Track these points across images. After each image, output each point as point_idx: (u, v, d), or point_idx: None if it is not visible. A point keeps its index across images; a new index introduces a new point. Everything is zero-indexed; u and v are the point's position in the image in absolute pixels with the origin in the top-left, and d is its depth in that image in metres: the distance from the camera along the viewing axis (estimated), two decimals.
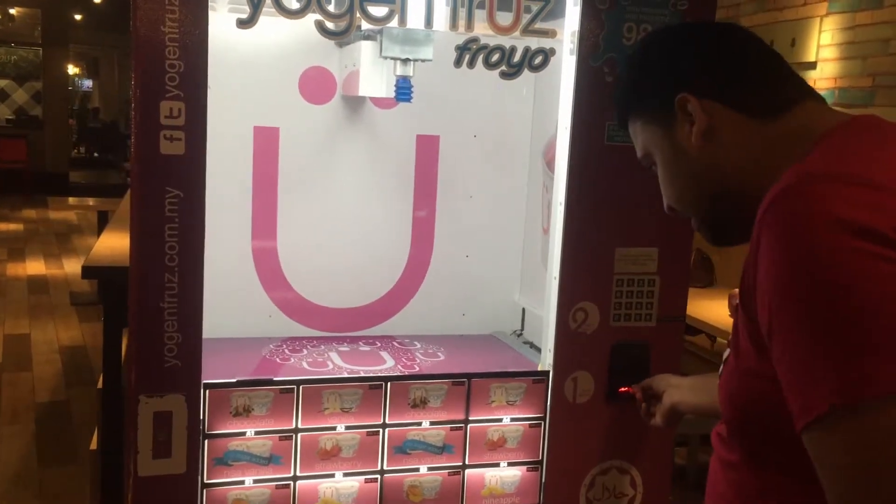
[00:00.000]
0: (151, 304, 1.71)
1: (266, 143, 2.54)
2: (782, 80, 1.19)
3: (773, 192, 1.01)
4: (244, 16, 1.79)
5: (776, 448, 1.07)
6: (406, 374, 2.01)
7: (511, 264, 2.83)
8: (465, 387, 1.99)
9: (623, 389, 2.01)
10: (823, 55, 5.76)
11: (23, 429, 4.73)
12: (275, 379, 1.85)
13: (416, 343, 2.62)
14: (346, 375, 1.95)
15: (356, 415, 1.93)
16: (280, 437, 1.87)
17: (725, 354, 1.15)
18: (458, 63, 1.83)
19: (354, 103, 2.61)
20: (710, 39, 1.23)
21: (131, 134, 1.75)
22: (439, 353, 2.52)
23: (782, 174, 1.05)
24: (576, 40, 1.90)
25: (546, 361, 2.11)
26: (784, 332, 0.95)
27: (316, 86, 2.56)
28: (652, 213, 2.02)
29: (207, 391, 1.80)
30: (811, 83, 4.97)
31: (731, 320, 4.17)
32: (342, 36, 1.79)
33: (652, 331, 2.05)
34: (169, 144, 1.67)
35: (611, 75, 1.92)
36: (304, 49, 2.52)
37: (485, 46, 1.85)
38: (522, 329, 2.81)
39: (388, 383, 1.93)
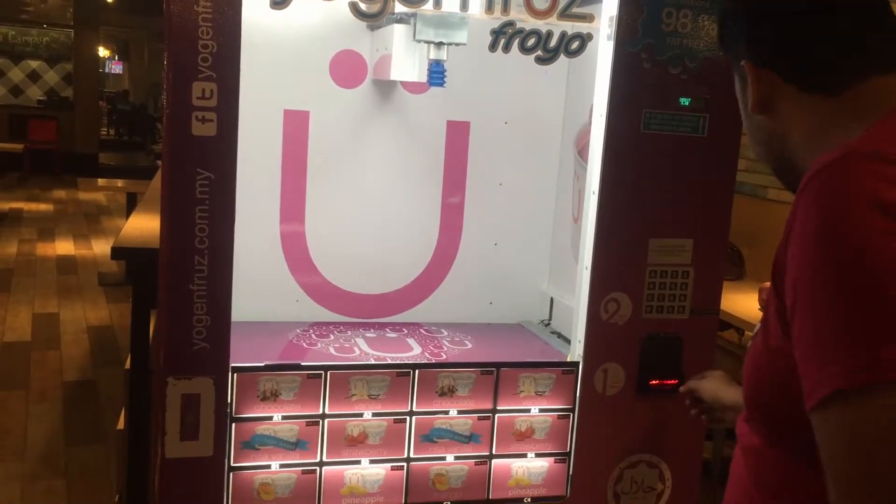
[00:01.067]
0: (181, 286, 1.70)
1: (296, 126, 2.52)
2: (859, 53, 1.12)
3: (815, 166, 0.99)
4: None
5: (791, 432, 1.05)
6: (434, 361, 1.99)
7: (540, 253, 2.80)
8: (494, 376, 1.97)
9: (654, 382, 1.98)
10: None
11: (50, 407, 4.78)
12: (302, 364, 1.84)
13: (443, 331, 2.60)
14: (373, 362, 1.93)
15: (383, 402, 1.91)
16: (307, 422, 1.86)
17: (755, 331, 1.14)
18: (493, 47, 1.80)
19: (385, 88, 2.58)
20: (792, 5, 1.17)
21: (163, 115, 1.74)
22: (466, 342, 2.50)
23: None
24: (614, 25, 1.86)
25: (576, 352, 2.08)
26: (803, 309, 0.93)
27: (347, 69, 2.53)
28: (687, 203, 2.00)
29: (235, 375, 1.80)
30: None
31: (760, 314, 4.11)
32: (376, 18, 1.77)
33: (685, 324, 2.02)
34: (201, 126, 1.65)
35: (649, 61, 1.88)
36: (336, 32, 2.50)
37: (521, 31, 1.82)
38: (550, 319, 2.78)
39: (416, 371, 1.92)
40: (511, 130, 2.69)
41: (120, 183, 8.58)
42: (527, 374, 1.97)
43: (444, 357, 2.31)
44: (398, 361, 2.16)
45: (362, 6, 1.74)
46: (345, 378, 1.87)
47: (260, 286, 2.56)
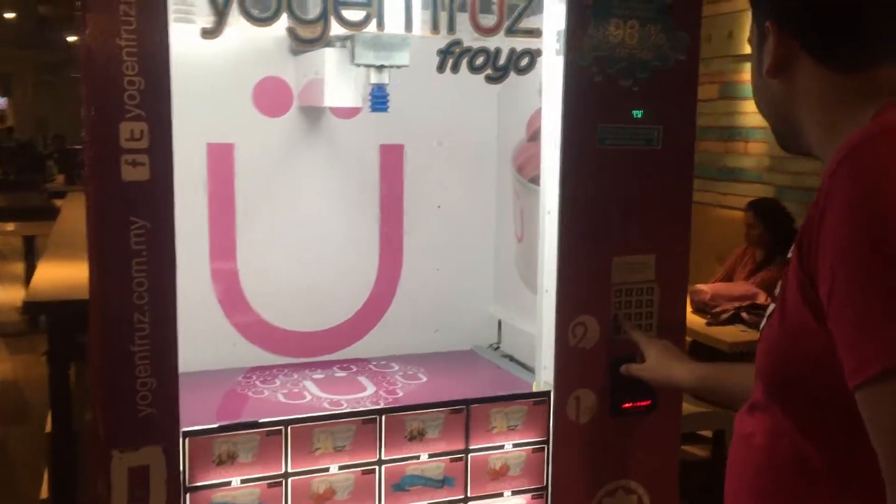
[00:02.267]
0: (120, 348, 1.54)
1: (221, 160, 2.38)
2: (885, 36, 1.11)
3: (849, 144, 0.99)
4: (194, 25, 1.62)
5: (815, 412, 1.06)
6: (394, 402, 1.87)
7: (484, 275, 2.72)
8: (464, 414, 1.86)
9: (627, 405, 1.91)
10: None
11: None
12: (260, 421, 1.69)
13: (392, 365, 2.48)
14: (337, 411, 1.80)
15: (350, 453, 1.78)
16: (269, 483, 1.71)
17: (769, 310, 1.13)
18: (440, 68, 1.71)
19: (313, 114, 2.46)
20: None
21: (84, 159, 1.57)
22: (420, 375, 2.39)
23: (846, 134, 1.03)
24: (562, 40, 1.79)
25: (541, 380, 2.00)
26: (844, 290, 0.94)
27: (271, 97, 2.40)
28: (647, 218, 1.94)
29: (187, 440, 1.64)
30: (748, 75, 4.96)
31: (697, 319, 4.15)
32: (315, 43, 1.65)
33: None
34: (132, 170, 1.50)
35: (600, 75, 1.82)
36: (257, 59, 2.37)
37: (468, 49, 1.73)
38: (500, 342, 2.70)
39: (383, 416, 1.79)
40: (446, 151, 2.61)
41: (11, 226, 8.11)
42: (497, 408, 1.87)
43: (400, 394, 2.20)
44: (358, 406, 2.03)
45: (301, 32, 1.61)
46: (307, 432, 1.73)
47: (192, 333, 2.35)
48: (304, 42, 1.66)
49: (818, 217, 0.99)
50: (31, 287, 3.03)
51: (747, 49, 4.68)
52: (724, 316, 4.14)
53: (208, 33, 1.58)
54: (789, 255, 1.08)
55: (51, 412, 2.86)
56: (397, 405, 1.85)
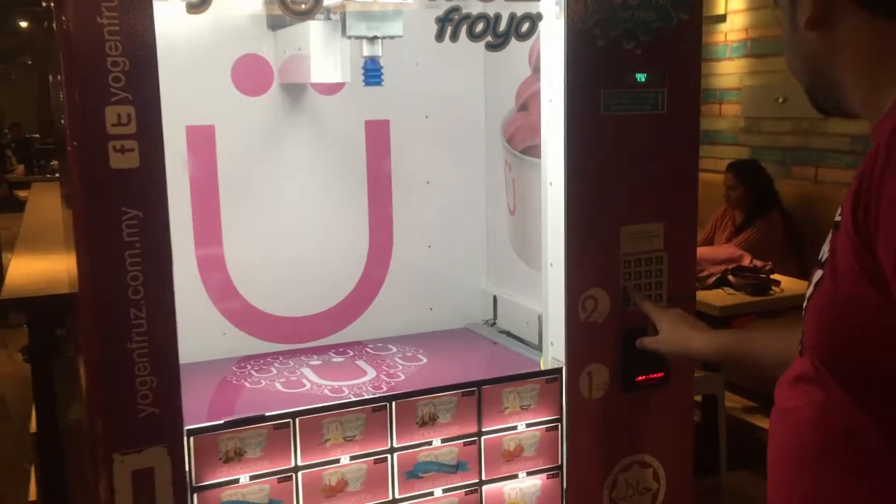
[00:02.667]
0: (117, 346, 1.45)
1: (201, 143, 2.28)
2: None
3: None
4: (169, 1, 1.52)
5: (874, 386, 1.01)
6: (411, 389, 1.80)
7: (477, 251, 2.66)
8: (476, 396, 1.80)
9: (640, 378, 1.87)
10: (732, 6, 5.76)
11: None
12: (268, 414, 1.62)
13: (390, 346, 2.42)
14: (346, 400, 1.73)
15: (360, 442, 1.72)
16: (279, 478, 1.64)
17: (816, 277, 1.07)
18: (439, 36, 1.62)
19: (295, 91, 2.37)
20: None
21: (65, 147, 1.47)
22: (419, 356, 2.33)
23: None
24: (563, 3, 1.72)
25: (549, 357, 1.95)
26: None
27: (251, 75, 2.31)
28: (654, 185, 1.89)
29: (192, 438, 1.56)
30: (722, 36, 4.94)
31: None
32: (308, 15, 1.55)
33: None
34: (120, 157, 1.40)
35: (602, 38, 1.75)
36: (234, 36, 2.27)
37: (467, 16, 1.65)
38: (496, 318, 2.64)
39: (393, 403, 1.72)
40: (432, 125, 2.54)
41: None
42: (510, 388, 1.82)
43: (402, 377, 2.14)
44: (361, 392, 1.97)
45: (292, 4, 1.52)
46: (316, 423, 1.66)
47: (180, 323, 2.29)
48: (296, 14, 1.56)
49: (877, 180, 0.92)
50: (6, 285, 2.91)
51: (718, 10, 4.65)
52: (711, 280, 4.12)
53: (194, 7, 1.47)
54: (837, 218, 1.02)
55: (34, 411, 2.75)
56: (408, 390, 1.78)
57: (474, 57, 2.51)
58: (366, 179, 2.49)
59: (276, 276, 2.41)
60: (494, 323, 2.64)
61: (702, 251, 4.47)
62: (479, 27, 1.66)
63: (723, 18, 5.84)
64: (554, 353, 1.93)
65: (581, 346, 1.85)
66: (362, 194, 2.50)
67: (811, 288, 1.08)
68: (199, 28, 2.21)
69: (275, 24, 2.26)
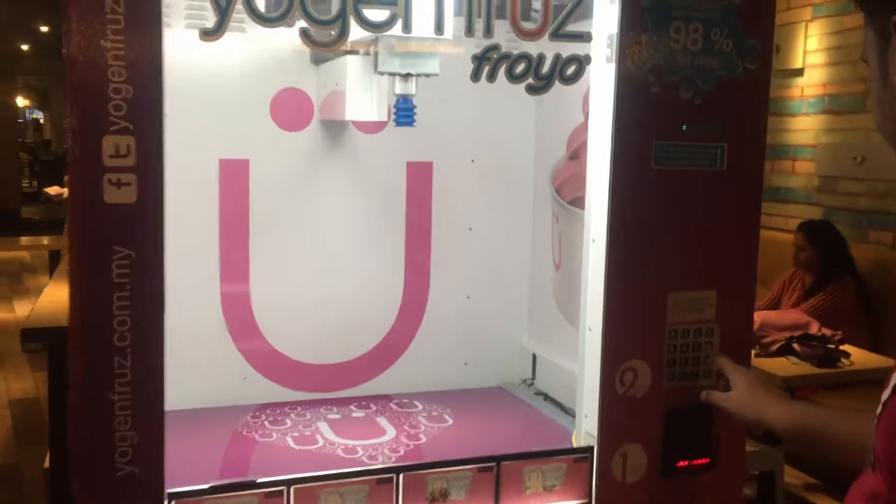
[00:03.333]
0: (98, 395, 1.33)
1: (234, 177, 2.20)
2: None
3: None
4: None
5: None
6: (421, 461, 1.64)
7: (518, 305, 2.52)
8: (494, 472, 1.63)
9: (682, 463, 1.67)
10: (811, 61, 5.53)
11: None
12: (259, 481, 1.47)
13: (416, 403, 2.27)
14: (347, 470, 1.57)
15: None
16: None
17: (885, 396, 0.96)
18: (475, 76, 1.49)
19: (335, 128, 2.27)
20: None
21: (69, 178, 1.37)
22: (446, 416, 2.17)
23: None
24: (614, 45, 1.56)
25: (583, 430, 1.76)
26: None
27: (290, 110, 2.23)
28: (708, 248, 1.70)
29: (174, 503, 1.42)
30: (798, 91, 4.69)
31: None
32: (332, 47, 1.44)
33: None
34: (115, 191, 1.29)
35: (657, 85, 1.59)
36: (275, 68, 2.20)
37: (507, 55, 1.51)
38: (534, 378, 2.47)
39: (401, 475, 1.56)
40: (478, 169, 2.42)
41: (46, 240, 8.01)
42: (533, 466, 1.64)
43: (423, 440, 1.99)
44: (376, 454, 1.82)
45: (315, 34, 1.40)
46: (313, 493, 1.51)
47: (200, 364, 2.21)
48: (319, 46, 1.45)
49: None
50: (32, 312, 2.85)
51: (796, 64, 4.41)
52: (775, 347, 3.86)
53: (208, 35, 1.37)
54: None
55: (49, 449, 2.66)
56: (417, 462, 1.62)
57: (525, 99, 2.36)
58: (404, 223, 2.38)
59: (302, 319, 2.29)
60: (532, 383, 2.47)
61: (766, 315, 4.21)
62: (520, 68, 1.52)
63: (800, 72, 5.60)
64: (588, 426, 1.75)
65: (616, 424, 1.66)
66: (399, 238, 2.38)
67: (888, 391, 0.91)
68: (238, 59, 2.14)
69: (318, 59, 2.17)
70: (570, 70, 1.56)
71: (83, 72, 1.27)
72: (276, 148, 2.23)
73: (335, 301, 2.33)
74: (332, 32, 1.40)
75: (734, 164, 1.68)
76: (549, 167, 2.38)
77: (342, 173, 2.30)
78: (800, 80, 5.61)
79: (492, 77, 1.51)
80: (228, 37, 2.11)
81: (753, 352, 3.94)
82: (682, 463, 1.69)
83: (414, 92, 1.72)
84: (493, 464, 1.62)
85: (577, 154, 2.25)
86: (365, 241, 2.34)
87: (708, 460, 1.71)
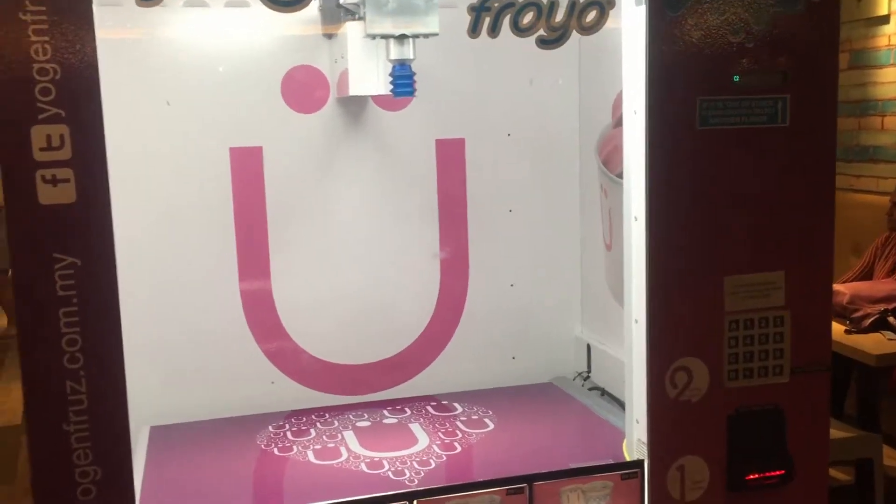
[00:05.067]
0: (50, 427, 1.16)
1: (247, 166, 2.09)
2: None
3: None
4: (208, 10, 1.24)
5: None
6: (440, 485, 1.43)
7: (568, 291, 2.35)
8: (526, 495, 1.40)
9: (752, 476, 1.41)
10: None
11: None
12: None
13: (456, 405, 2.08)
14: (354, 499, 1.37)
15: None
16: None
17: None
18: (474, 29, 1.25)
19: (354, 107, 2.12)
20: None
21: None
22: (486, 420, 1.98)
23: None
24: None
25: (634, 438, 1.52)
26: None
27: (303, 90, 2.10)
28: (772, 223, 1.43)
29: None
30: (885, 40, 4.22)
31: (834, 326, 3.52)
32: (295, 6, 1.22)
33: (785, 389, 1.46)
34: (51, 190, 1.11)
35: (699, 28, 1.32)
36: (284, 45, 2.04)
37: (511, 4, 1.27)
38: (589, 371, 2.25)
39: (415, 501, 1.35)
40: (516, 143, 2.23)
41: None
42: (571, 486, 1.41)
43: (458, 449, 1.79)
44: (402, 468, 1.62)
45: None
46: None
47: (221, 370, 2.06)
48: (280, 6, 1.23)
49: None
50: None
51: (881, 11, 3.95)
52: (868, 322, 3.52)
53: (145, 0, 1.17)
54: None
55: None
56: (434, 487, 1.40)
57: (567, 62, 2.14)
58: (436, 207, 2.21)
59: (330, 316, 2.16)
60: (588, 377, 2.25)
61: (857, 286, 3.88)
62: (528, 18, 1.28)
63: (885, 20, 5.15)
64: (640, 433, 1.50)
65: (669, 433, 1.42)
66: (432, 224, 2.22)
67: None
68: (243, 37, 1.98)
69: (329, 30, 1.97)
70: (590, 16, 1.31)
71: (1, 52, 1.09)
72: (291, 132, 2.09)
73: (366, 296, 2.18)
74: None
75: (799, 118, 1.42)
76: (595, 137, 2.15)
77: (365, 156, 2.15)
78: (886, 29, 5.16)
79: (494, 30, 1.27)
80: (232, 13, 1.99)
81: (843, 328, 3.61)
82: (752, 476, 1.43)
83: (412, 56, 1.50)
84: (524, 485, 1.40)
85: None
86: (394, 230, 2.18)
87: (783, 472, 1.45)
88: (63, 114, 1.11)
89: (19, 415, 5.38)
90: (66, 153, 1.12)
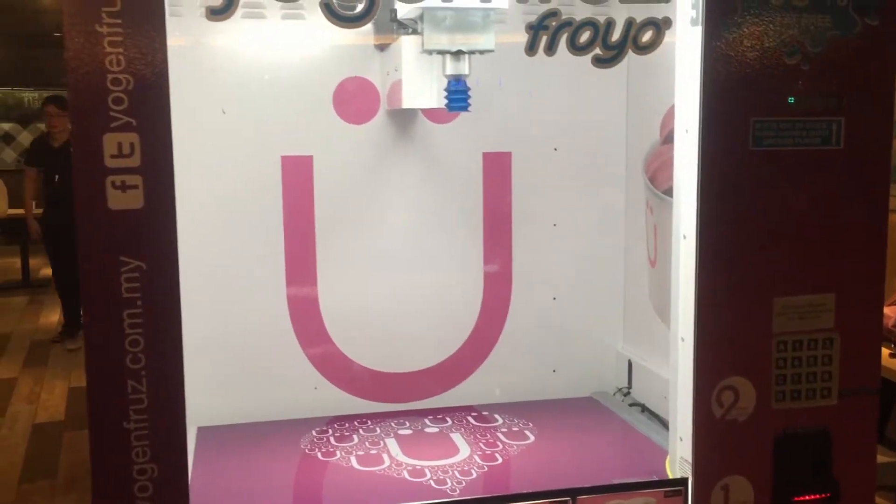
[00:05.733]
0: (111, 424, 1.20)
1: (297, 175, 2.11)
2: None
3: None
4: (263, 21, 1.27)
5: None
6: (482, 495, 1.44)
7: (610, 306, 2.34)
8: None
9: (799, 498, 1.41)
10: None
11: (77, 499, 4.33)
12: None
13: (497, 416, 2.09)
14: None
15: None
16: None
17: None
18: (531, 48, 1.27)
19: (403, 119, 2.14)
20: None
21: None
22: (527, 432, 1.99)
23: None
24: (700, 4, 1.32)
25: (677, 456, 1.52)
26: None
27: (354, 101, 2.12)
28: (822, 243, 1.43)
29: None
30: None
31: None
32: (359, 22, 1.25)
33: (833, 412, 1.45)
34: (120, 196, 1.15)
35: (754, 50, 1.33)
36: (338, 57, 2.09)
37: (568, 23, 1.29)
38: (630, 387, 2.25)
39: None
40: (563, 158, 2.24)
41: None
42: (615, 501, 1.41)
43: (499, 460, 1.80)
44: (444, 477, 1.64)
45: (338, 7, 1.22)
46: None
47: (266, 374, 2.09)
48: (345, 23, 1.26)
49: None
50: None
51: None
52: None
53: (215, 14, 1.21)
54: None
55: None
56: (477, 497, 1.42)
57: (614, 77, 2.15)
58: (482, 219, 2.23)
59: (374, 324, 2.17)
60: (628, 392, 2.24)
61: None
62: (585, 36, 1.29)
63: None
64: (683, 451, 1.51)
65: (714, 453, 1.42)
66: (477, 236, 2.23)
67: None
68: (297, 48, 2.02)
69: (381, 44, 2.01)
70: (646, 36, 1.33)
71: (78, 63, 1.13)
72: (341, 142, 2.11)
73: (410, 306, 2.19)
74: (359, 5, 1.21)
75: (854, 141, 1.41)
76: (642, 153, 2.16)
77: (413, 167, 2.17)
78: None
79: (551, 48, 1.29)
80: (286, 25, 2.03)
81: (888, 351, 3.55)
82: (797, 498, 1.42)
83: (467, 72, 1.53)
84: (568, 498, 1.41)
85: (672, 137, 2.00)
86: (439, 240, 2.20)
87: (829, 495, 1.44)
88: (134, 123, 1.15)
89: (62, 411, 5.48)
90: (135, 160, 1.16)
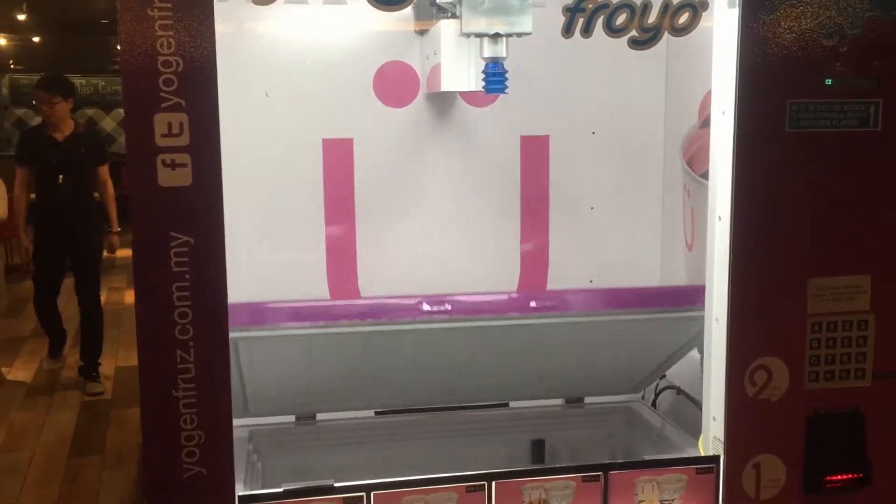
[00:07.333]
0: (162, 392, 1.25)
1: (338, 157, 2.14)
2: None
3: None
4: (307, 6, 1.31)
5: None
6: (515, 469, 1.47)
7: None
8: (601, 483, 1.44)
9: (831, 478, 1.42)
10: None
11: (124, 474, 4.45)
12: (337, 485, 1.36)
13: None
14: (432, 476, 1.42)
15: None
16: None
17: None
18: (568, 30, 1.29)
19: (442, 102, 2.16)
20: None
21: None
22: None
23: None
24: None
25: (710, 436, 1.54)
26: None
27: (394, 85, 2.14)
28: (858, 225, 1.44)
29: None
30: None
31: None
32: (399, 5, 1.28)
33: (866, 393, 1.46)
34: (170, 173, 1.20)
35: (791, 31, 1.34)
36: (378, 41, 2.10)
37: (605, 5, 1.31)
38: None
39: (493, 482, 1.40)
40: (600, 141, 2.24)
41: None
42: (647, 477, 1.44)
43: None
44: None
45: None
46: (394, 500, 1.37)
47: None
48: (385, 5, 1.29)
49: None
50: None
51: None
52: None
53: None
54: None
55: None
56: (511, 469, 1.45)
57: (655, 61, 2.16)
58: (519, 202, 2.24)
59: None
60: (664, 376, 2.25)
61: None
62: (621, 19, 1.31)
63: None
64: (716, 430, 1.52)
65: (747, 430, 1.44)
66: (514, 219, 2.25)
67: None
68: (338, 33, 2.05)
69: (421, 27, 2.03)
70: (683, 18, 1.34)
71: (131, 46, 1.18)
72: (381, 125, 2.14)
73: (446, 286, 2.19)
74: None
75: (891, 123, 1.42)
76: (680, 136, 2.16)
77: (452, 150, 2.19)
78: None
79: (587, 31, 1.31)
80: (327, 9, 2.07)
81: None
82: (830, 477, 1.44)
83: (505, 55, 1.55)
84: (600, 473, 1.44)
85: (709, 121, 2.01)
86: (477, 223, 2.22)
87: (861, 475, 1.45)
88: (183, 103, 1.20)
89: (110, 390, 5.61)
90: (184, 140, 1.20)
